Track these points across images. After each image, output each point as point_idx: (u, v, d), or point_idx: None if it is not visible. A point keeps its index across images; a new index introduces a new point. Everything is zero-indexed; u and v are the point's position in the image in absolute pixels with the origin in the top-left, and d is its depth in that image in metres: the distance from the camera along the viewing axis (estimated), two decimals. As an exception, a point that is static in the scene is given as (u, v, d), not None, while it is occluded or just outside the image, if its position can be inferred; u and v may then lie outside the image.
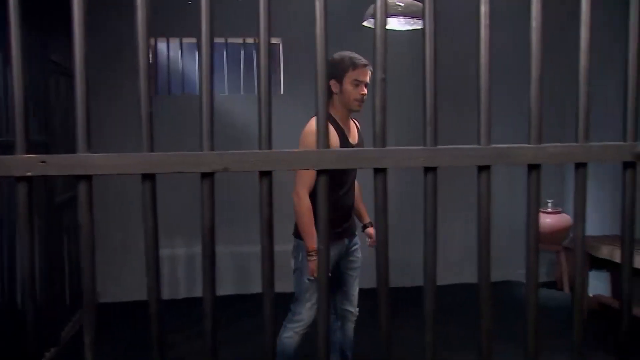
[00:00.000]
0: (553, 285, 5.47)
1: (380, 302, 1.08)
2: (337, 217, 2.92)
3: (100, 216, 4.98)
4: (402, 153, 1.06)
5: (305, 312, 2.90)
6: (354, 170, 2.88)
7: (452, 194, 4.92)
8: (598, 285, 4.83)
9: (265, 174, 1.04)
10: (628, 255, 1.18)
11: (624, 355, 1.19)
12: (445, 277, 5.13)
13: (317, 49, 1.04)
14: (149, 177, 1.03)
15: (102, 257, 5.12)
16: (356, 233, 3.10)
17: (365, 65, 2.79)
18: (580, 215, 1.15)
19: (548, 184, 4.84)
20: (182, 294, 5.15)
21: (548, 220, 5.14)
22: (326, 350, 1.05)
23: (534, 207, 1.12)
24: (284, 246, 5.04)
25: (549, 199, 5.14)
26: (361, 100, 2.82)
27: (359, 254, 3.10)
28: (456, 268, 5.31)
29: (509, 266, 5.29)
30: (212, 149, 1.04)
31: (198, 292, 5.12)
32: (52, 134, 3.71)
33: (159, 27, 4.90)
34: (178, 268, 5.21)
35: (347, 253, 3.04)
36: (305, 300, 2.89)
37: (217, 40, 5.21)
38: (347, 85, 2.81)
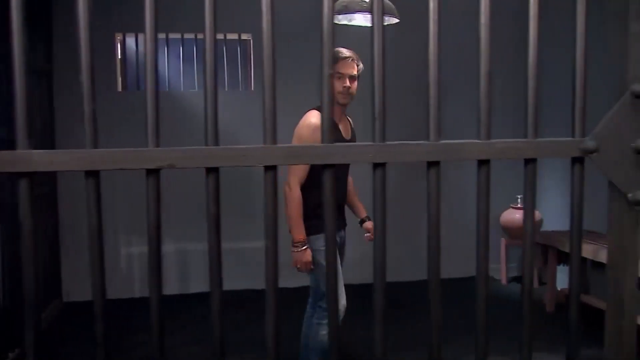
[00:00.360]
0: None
1: (330, 299, 1.07)
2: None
3: (68, 214, 4.91)
4: (350, 149, 1.06)
5: (338, 302, 2.89)
6: (345, 165, 2.90)
7: (423, 190, 4.94)
8: (567, 279, 4.89)
9: (212, 171, 1.03)
10: (577, 249, 1.19)
11: (574, 350, 1.20)
12: (416, 273, 5.16)
13: (264, 45, 1.03)
14: (92, 174, 1.01)
15: (70, 256, 5.06)
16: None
17: (346, 58, 2.85)
18: (529, 210, 1.16)
19: (518, 180, 4.92)
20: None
21: (518, 215, 5.19)
22: (276, 341, 1.04)
23: (483, 202, 1.13)
24: (259, 243, 5.01)
25: (519, 194, 5.19)
26: (345, 93, 2.87)
27: (344, 249, 3.14)
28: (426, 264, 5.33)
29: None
30: (157, 144, 1.02)
31: (169, 290, 5.08)
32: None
33: (128, 22, 4.83)
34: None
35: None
36: None
37: (187, 36, 5.16)
38: (332, 80, 2.83)
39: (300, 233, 2.82)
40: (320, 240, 2.89)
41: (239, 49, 5.25)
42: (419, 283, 4.95)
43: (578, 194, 1.17)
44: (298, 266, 2.87)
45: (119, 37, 5.15)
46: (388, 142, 1.06)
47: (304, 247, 2.83)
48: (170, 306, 4.69)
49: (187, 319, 4.41)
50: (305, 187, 2.88)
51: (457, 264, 5.02)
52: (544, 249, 4.71)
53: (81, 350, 3.89)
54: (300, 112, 2.95)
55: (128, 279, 5.04)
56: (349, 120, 3.08)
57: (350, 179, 3.19)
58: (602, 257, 3.93)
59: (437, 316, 1.11)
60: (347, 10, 2.79)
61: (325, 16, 1.04)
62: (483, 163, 1.11)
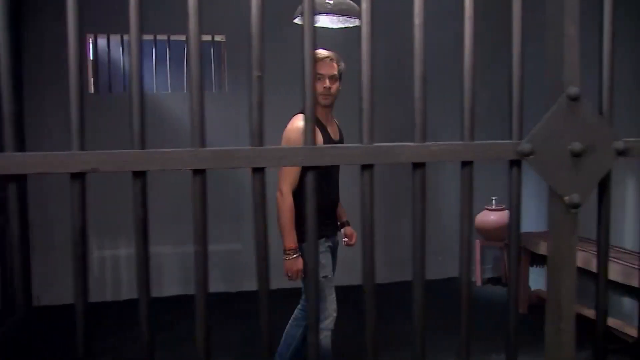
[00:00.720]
0: (499, 281, 5.56)
1: (261, 302, 1.06)
2: (322, 213, 2.88)
3: (37, 217, 4.84)
4: (279, 152, 1.04)
5: (330, 307, 2.95)
6: (336, 166, 2.88)
7: (398, 192, 4.95)
8: (539, 280, 4.92)
9: (138, 174, 1.01)
10: (515, 251, 1.18)
11: (513, 353, 1.20)
12: (390, 275, 5.17)
13: (191, 46, 1.01)
14: (13, 178, 0.99)
15: (40, 260, 4.98)
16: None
17: (324, 58, 2.84)
18: (466, 214, 1.15)
19: (493, 181, 4.93)
20: (125, 295, 5.05)
21: (492, 217, 5.22)
22: (207, 346, 1.02)
23: (419, 206, 1.12)
24: (227, 245, 4.99)
25: (493, 196, 5.21)
26: (326, 94, 2.84)
27: (337, 253, 3.15)
28: (402, 266, 5.35)
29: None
30: (82, 148, 1.00)
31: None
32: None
33: (100, 23, 4.79)
34: (121, 269, 5.10)
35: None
36: (326, 296, 2.93)
37: (160, 37, 5.12)
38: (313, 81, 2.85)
39: (291, 241, 2.76)
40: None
41: (212, 50, 5.22)
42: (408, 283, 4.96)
43: (516, 197, 1.16)
44: (289, 274, 2.83)
45: (90, 37, 5.10)
46: (319, 145, 1.05)
47: (295, 255, 2.78)
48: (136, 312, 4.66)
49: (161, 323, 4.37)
50: (300, 192, 2.81)
51: (437, 265, 5.05)
52: (516, 250, 4.73)
53: (44, 356, 3.84)
54: (287, 114, 2.92)
55: (100, 282, 4.99)
56: (335, 122, 3.06)
57: None
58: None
59: (371, 321, 1.10)
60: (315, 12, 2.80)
61: (254, 17, 1.02)
62: (418, 166, 1.10)
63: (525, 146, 1.12)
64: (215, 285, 4.88)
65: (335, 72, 2.86)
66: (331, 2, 2.80)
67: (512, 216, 1.18)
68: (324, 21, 2.99)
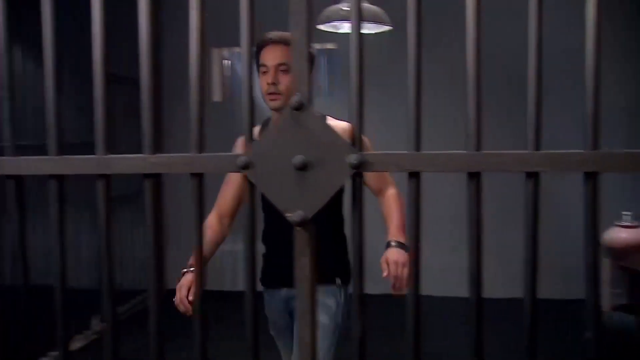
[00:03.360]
0: (632, 309, 5.11)
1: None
2: (270, 259, 2.42)
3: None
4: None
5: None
6: None
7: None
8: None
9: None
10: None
11: None
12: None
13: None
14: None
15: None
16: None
17: (269, 42, 2.12)
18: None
19: (623, 194, 4.50)
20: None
21: (624, 235, 4.68)
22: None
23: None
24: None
25: (626, 210, 4.69)
26: (274, 92, 2.10)
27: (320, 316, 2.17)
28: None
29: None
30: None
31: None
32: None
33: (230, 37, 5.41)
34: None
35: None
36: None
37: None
38: (259, 77, 2.15)
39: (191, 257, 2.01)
40: None
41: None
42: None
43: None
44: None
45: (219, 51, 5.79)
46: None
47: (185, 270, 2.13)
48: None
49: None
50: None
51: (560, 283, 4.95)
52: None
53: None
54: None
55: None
56: None
57: (391, 192, 2.35)
58: None
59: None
60: (330, 19, 2.97)
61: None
62: (148, 176, 1.14)
63: (241, 159, 1.10)
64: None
65: (284, 60, 2.09)
66: (347, 8, 2.85)
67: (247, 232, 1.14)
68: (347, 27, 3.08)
